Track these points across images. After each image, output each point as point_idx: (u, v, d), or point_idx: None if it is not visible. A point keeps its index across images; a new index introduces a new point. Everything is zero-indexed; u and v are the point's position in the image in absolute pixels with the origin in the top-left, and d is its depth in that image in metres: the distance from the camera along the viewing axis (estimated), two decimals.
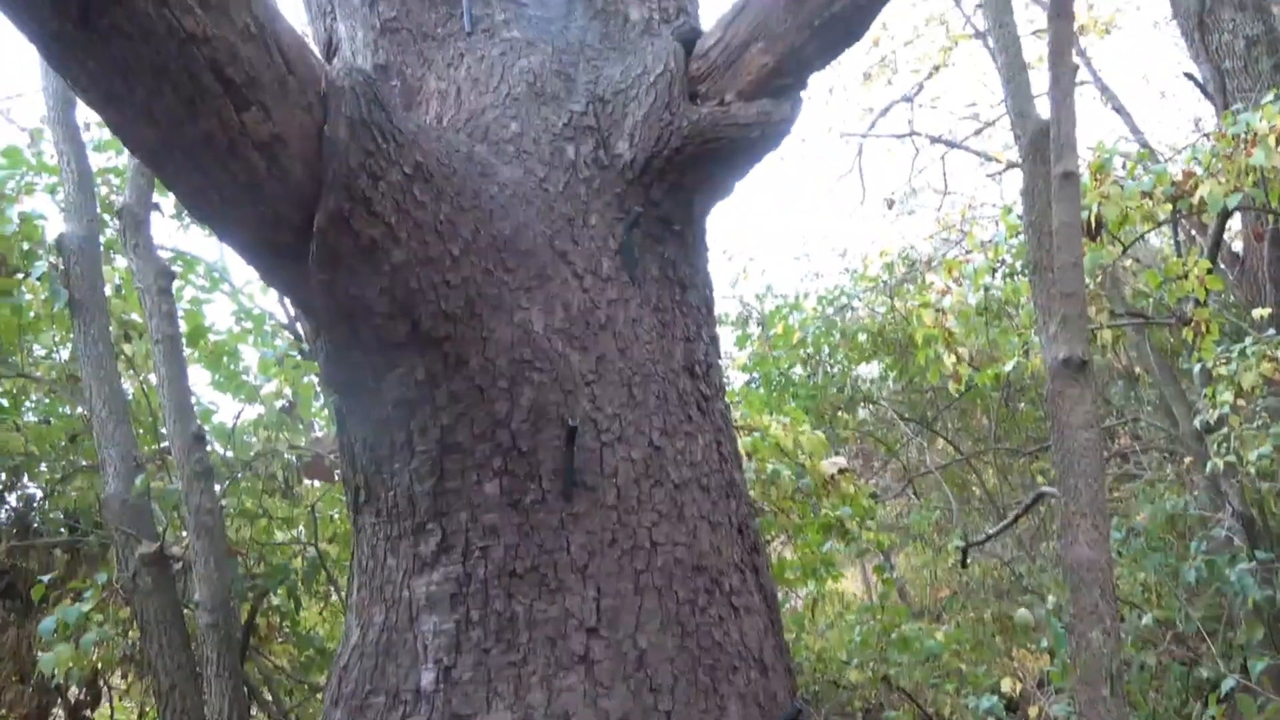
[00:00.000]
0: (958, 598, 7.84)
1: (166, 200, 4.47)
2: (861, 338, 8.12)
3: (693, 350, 1.93)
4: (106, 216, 4.34)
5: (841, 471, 4.59)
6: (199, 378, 4.39)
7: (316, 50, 2.55)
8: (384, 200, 1.49)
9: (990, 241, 5.08)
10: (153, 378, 3.69)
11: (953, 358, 4.98)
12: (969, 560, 6.52)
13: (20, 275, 3.88)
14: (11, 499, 4.98)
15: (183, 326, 3.82)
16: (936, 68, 11.30)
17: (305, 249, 1.50)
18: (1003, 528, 4.95)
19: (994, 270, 4.98)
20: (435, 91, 2.14)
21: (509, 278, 1.68)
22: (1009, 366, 4.90)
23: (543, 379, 1.63)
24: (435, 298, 1.55)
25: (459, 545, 1.57)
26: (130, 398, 4.18)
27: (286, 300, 4.91)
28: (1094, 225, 3.88)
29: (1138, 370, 8.18)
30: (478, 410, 1.59)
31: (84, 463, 4.42)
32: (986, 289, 5.37)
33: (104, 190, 4.66)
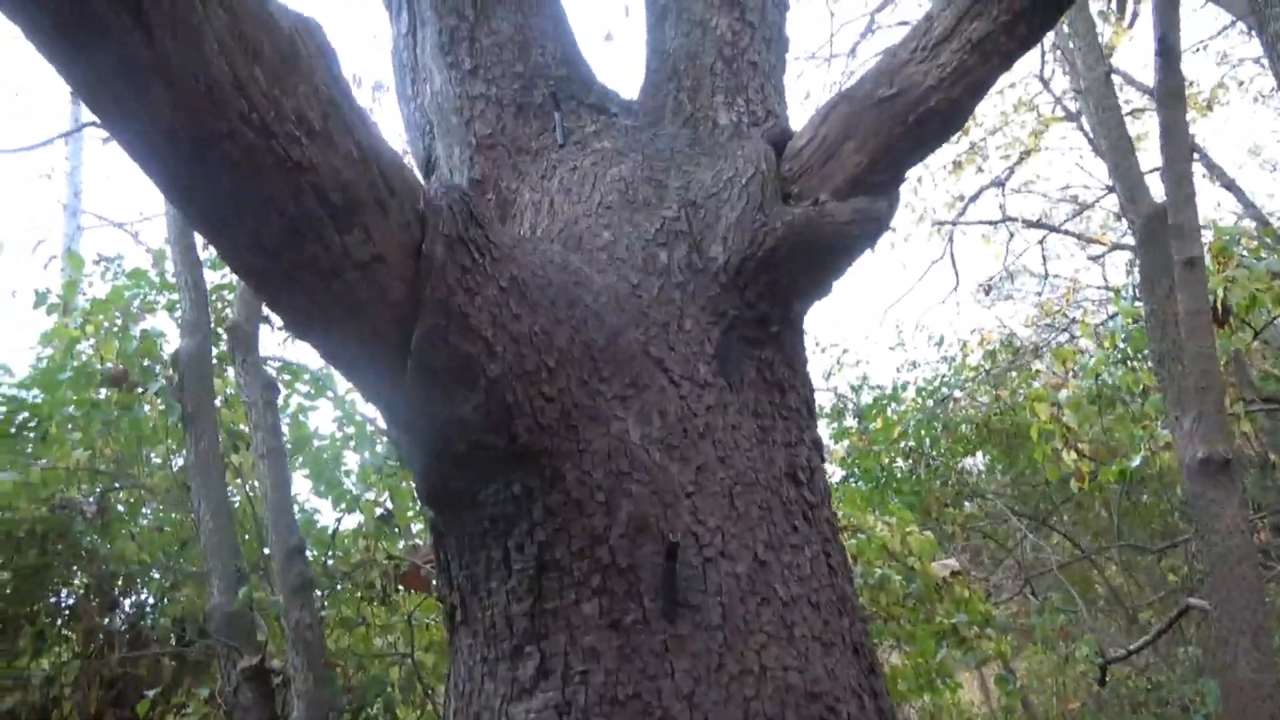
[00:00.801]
0: (1088, 710, 7.23)
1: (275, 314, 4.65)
2: (965, 429, 7.81)
3: (795, 456, 1.84)
4: (219, 329, 4.55)
5: (954, 574, 4.34)
6: (303, 483, 4.49)
7: (415, 167, 2.65)
8: (480, 315, 1.49)
9: (1102, 326, 4.86)
10: (258, 486, 3.78)
11: (1072, 454, 4.70)
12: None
13: (140, 390, 4.08)
14: (126, 605, 5.12)
15: (286, 432, 3.93)
16: (1027, 152, 11.15)
17: (403, 365, 1.50)
18: (1144, 644, 4.56)
19: (1111, 360, 4.73)
20: (530, 203, 2.17)
21: (605, 387, 1.64)
22: (1135, 462, 4.60)
23: (641, 491, 1.58)
24: (531, 411, 1.53)
25: (558, 670, 1.50)
26: (236, 506, 4.29)
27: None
28: (1220, 310, 3.65)
29: (1272, 458, 7.61)
30: (575, 525, 1.53)
31: (193, 569, 4.53)
32: (1098, 374, 5.11)
33: (217, 305, 4.91)
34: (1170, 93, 1.93)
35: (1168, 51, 2.01)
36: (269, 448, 3.23)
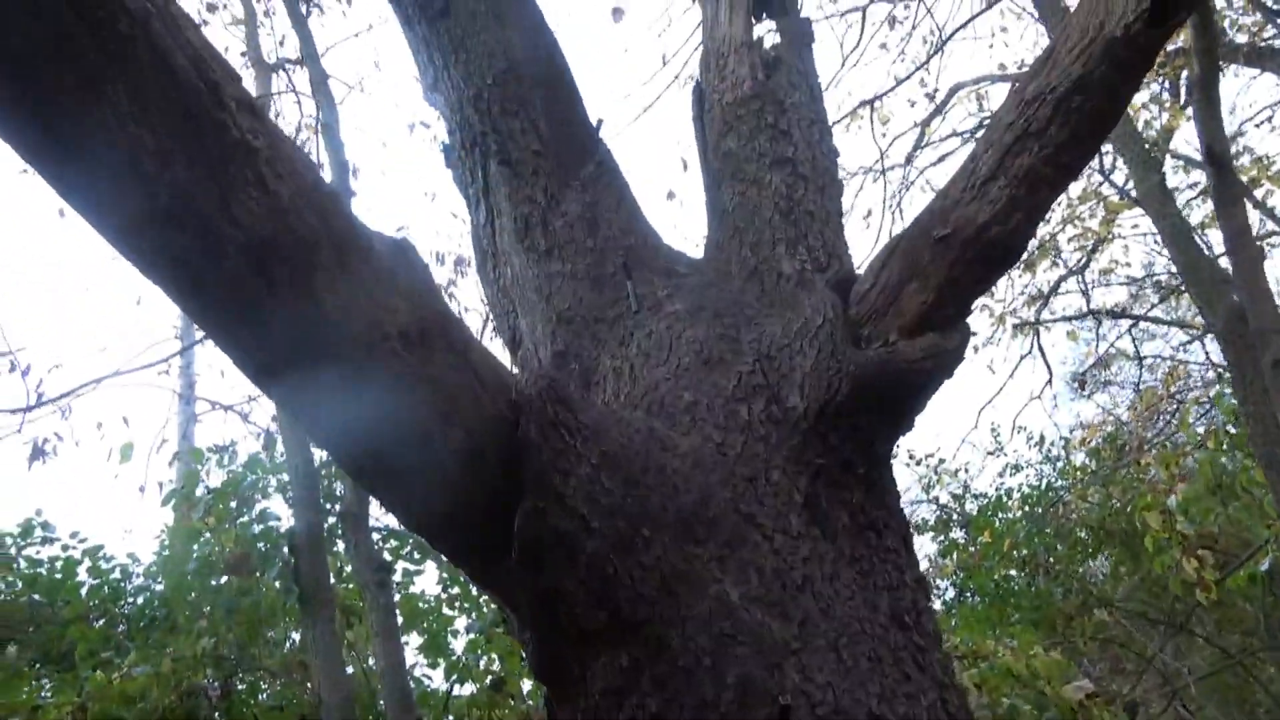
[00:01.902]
0: None
1: None
2: (1081, 533, 7.45)
3: (899, 599, 1.83)
4: (329, 505, 4.76)
5: (1091, 696, 4.07)
6: (415, 652, 4.56)
7: (503, 343, 2.81)
8: (576, 493, 1.57)
9: (1205, 420, 4.68)
10: (373, 662, 3.85)
11: (1193, 563, 4.44)
12: None
13: (259, 574, 4.27)
14: None
15: (396, 599, 4.03)
16: (1101, 240, 11.02)
17: (504, 546, 1.58)
18: None
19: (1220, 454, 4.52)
20: (611, 369, 2.28)
21: (700, 550, 1.68)
22: (1265, 565, 4.31)
23: (746, 653, 1.59)
24: (631, 582, 1.58)
25: None
26: (352, 678, 4.36)
27: None
28: None
29: None
30: (685, 694, 1.55)
31: None
32: (1211, 467, 4.87)
33: (326, 481, 5.14)
34: (1227, 199, 1.95)
35: (1217, 160, 2.04)
36: (382, 626, 3.32)
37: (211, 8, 7.82)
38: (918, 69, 9.12)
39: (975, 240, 1.94)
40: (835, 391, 1.93)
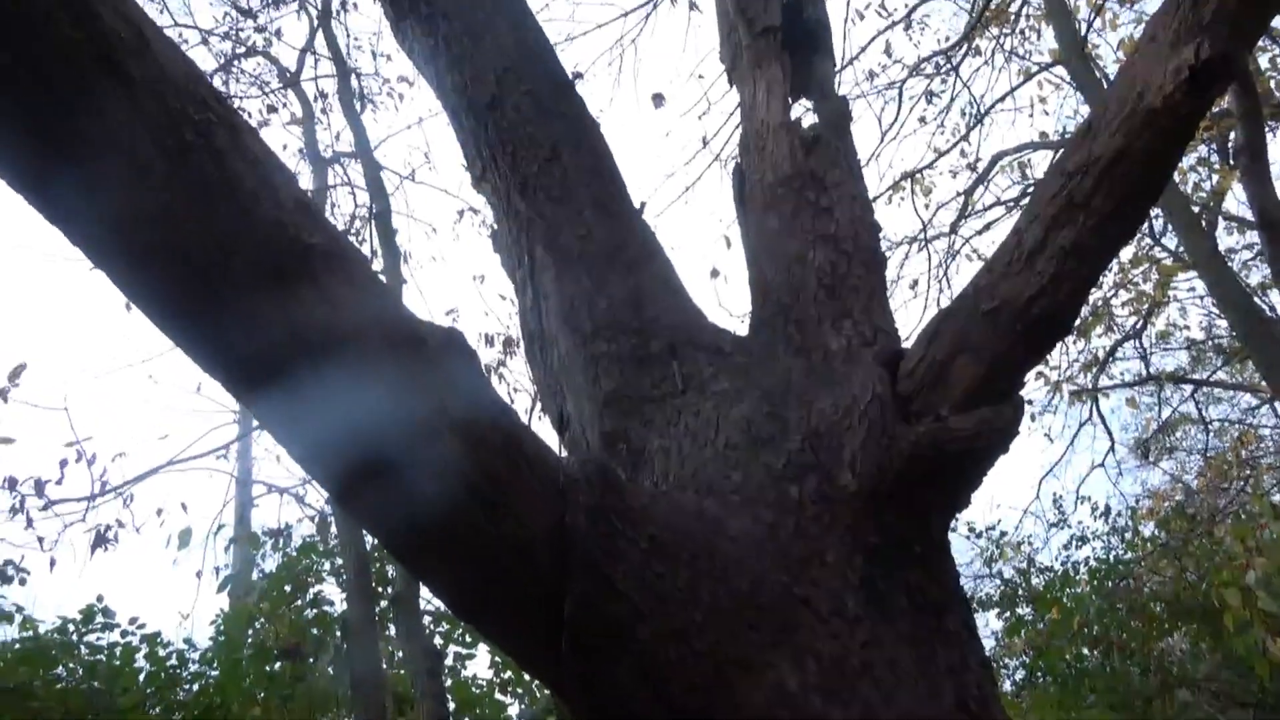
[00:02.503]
0: None
1: None
2: (1156, 608, 7.13)
3: (963, 684, 1.77)
4: (381, 589, 4.76)
5: None
6: None
7: (551, 424, 2.83)
8: (626, 579, 1.55)
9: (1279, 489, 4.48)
10: None
11: None
12: None
13: (312, 660, 4.27)
14: None
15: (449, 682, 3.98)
16: (1156, 304, 10.82)
17: (553, 634, 1.56)
18: None
19: None
20: (659, 449, 2.27)
21: (755, 635, 1.65)
22: None
23: None
24: (684, 669, 1.54)
25: None
26: None
27: None
28: None
29: None
30: None
31: None
32: None
33: (378, 564, 5.16)
34: None
35: (1271, 226, 2.00)
36: (434, 716, 3.29)
37: (271, 109, 8.21)
38: (957, 142, 9.19)
39: (1024, 313, 1.92)
40: (887, 469, 1.90)
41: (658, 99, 6.28)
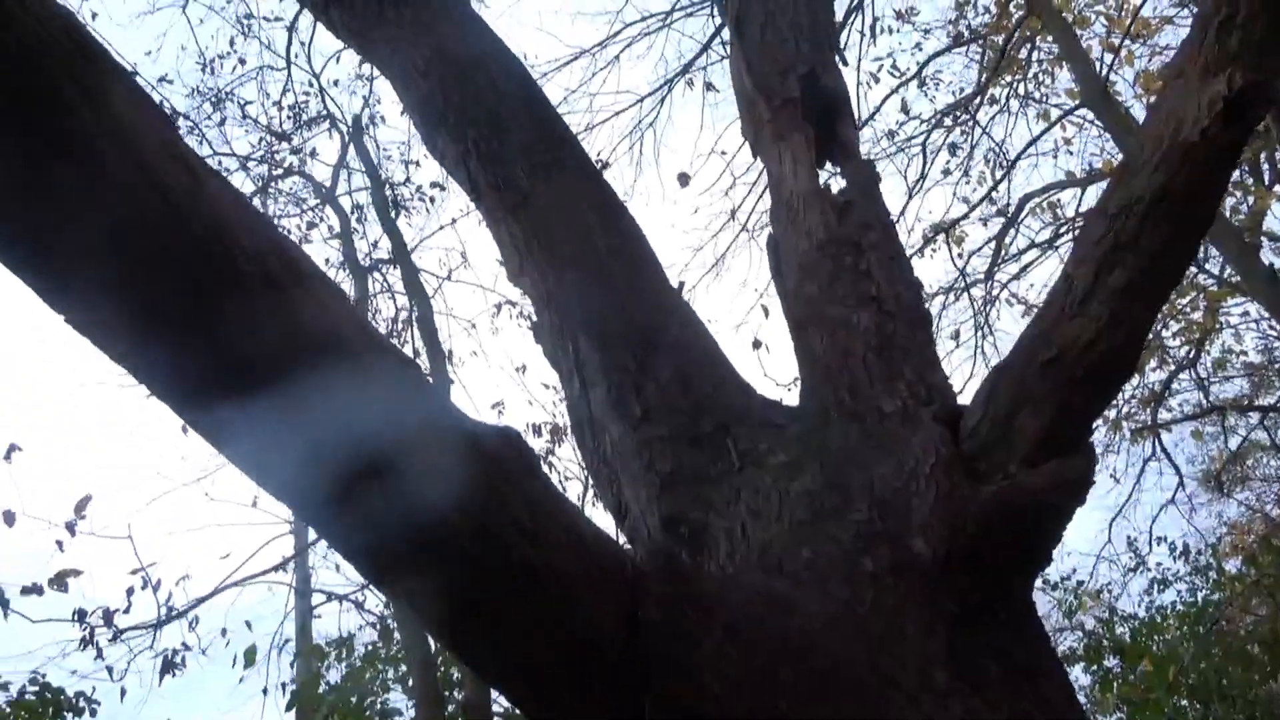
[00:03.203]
0: None
1: None
2: (1254, 650, 6.76)
3: None
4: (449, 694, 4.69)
5: None
6: None
7: (608, 512, 2.80)
8: (703, 671, 1.50)
9: None
10: None
11: None
12: None
13: None
14: None
15: None
16: (1208, 332, 10.56)
17: None
18: None
19: None
20: (722, 530, 2.23)
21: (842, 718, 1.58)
22: None
23: None
24: None
25: None
26: None
27: None
28: None
29: None
30: None
31: None
32: None
33: (443, 669, 5.09)
34: None
35: None
36: None
37: (311, 224, 8.49)
38: (988, 193, 9.18)
39: (1083, 359, 1.87)
40: (960, 532, 1.84)
41: (683, 178, 6.39)
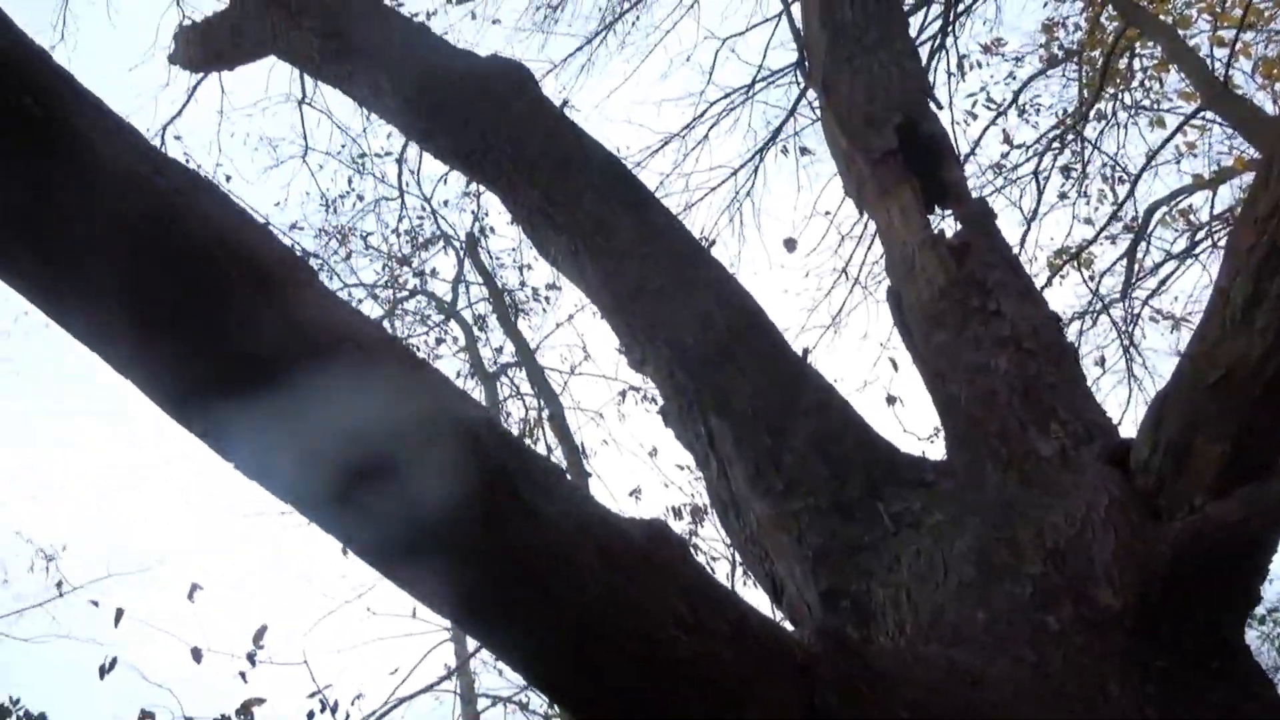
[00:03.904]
0: None
1: None
2: None
3: None
4: None
5: None
6: None
7: (764, 591, 2.73)
8: None
9: None
10: None
11: None
12: None
13: None
14: None
15: None
16: None
17: None
18: None
19: None
20: (886, 600, 2.14)
21: None
22: None
23: None
24: None
25: None
26: None
27: None
28: None
29: None
30: None
31: None
32: None
33: None
34: None
35: None
36: None
37: (439, 340, 8.88)
38: (1116, 211, 8.76)
39: (1257, 375, 1.72)
40: (1152, 577, 1.70)
41: (789, 243, 6.37)
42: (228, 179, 7.86)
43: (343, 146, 8.78)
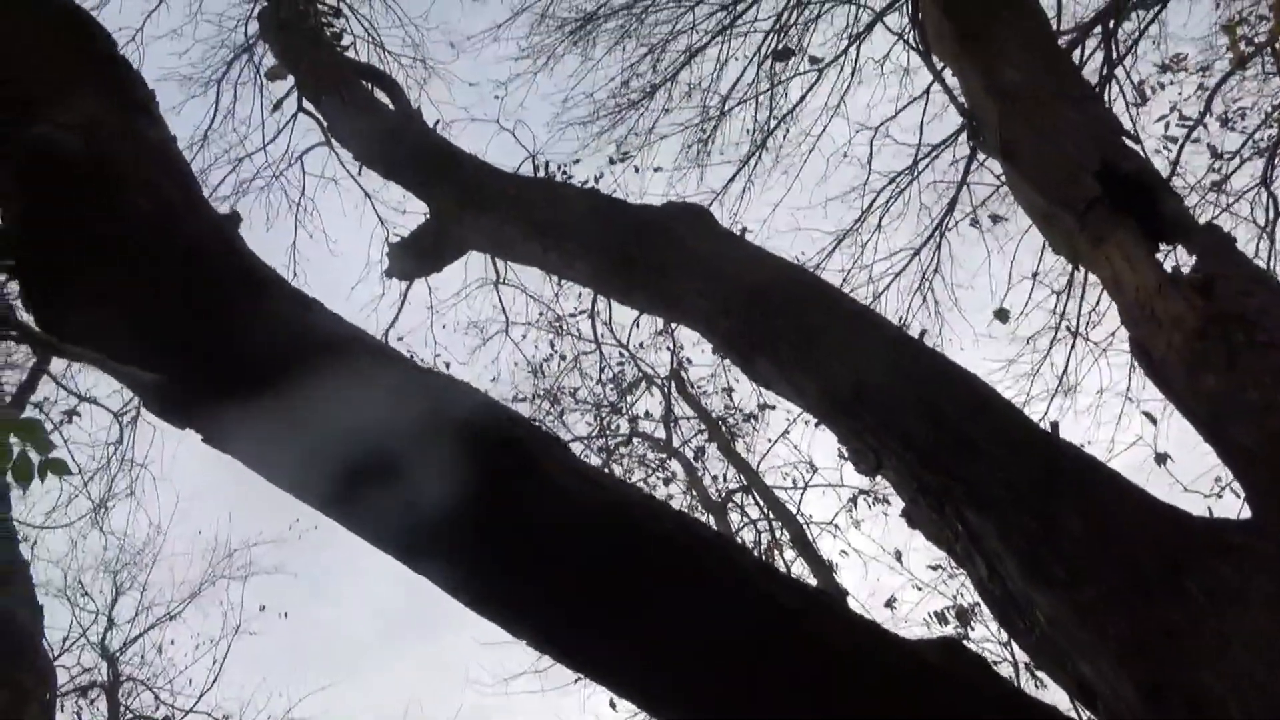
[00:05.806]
0: None
1: None
2: None
3: None
4: None
5: None
6: None
7: (1070, 695, 2.47)
8: None
9: None
10: None
11: None
12: None
13: None
14: None
15: None
16: None
17: None
18: None
19: None
20: (1225, 690, 1.89)
21: None
22: None
23: None
24: None
25: None
26: None
27: None
28: None
29: None
30: None
31: None
32: None
33: None
34: None
35: None
36: None
37: (667, 481, 9.00)
38: None
39: None
40: None
41: (1002, 314, 6.07)
42: (447, 365, 8.53)
43: (540, 314, 9.34)
